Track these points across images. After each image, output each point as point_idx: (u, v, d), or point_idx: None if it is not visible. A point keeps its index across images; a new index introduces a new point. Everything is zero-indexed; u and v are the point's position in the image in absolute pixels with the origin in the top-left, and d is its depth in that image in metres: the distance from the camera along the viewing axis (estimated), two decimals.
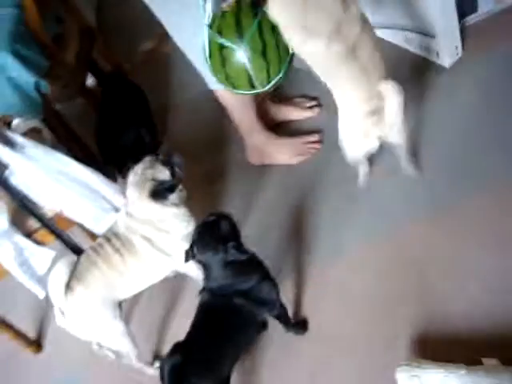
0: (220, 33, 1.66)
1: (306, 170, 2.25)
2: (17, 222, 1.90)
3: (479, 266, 1.72)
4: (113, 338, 1.81)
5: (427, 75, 2.26)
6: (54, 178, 1.86)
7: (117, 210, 1.98)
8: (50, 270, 1.95)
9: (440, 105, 2.15)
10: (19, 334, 2.18)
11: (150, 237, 1.78)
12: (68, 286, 1.68)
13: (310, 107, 2.41)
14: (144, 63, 3.24)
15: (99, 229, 1.98)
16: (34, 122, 2.32)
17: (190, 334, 1.61)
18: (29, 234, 1.95)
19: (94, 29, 2.97)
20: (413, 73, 2.30)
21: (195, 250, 1.60)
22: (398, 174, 2.02)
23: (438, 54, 2.26)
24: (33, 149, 1.83)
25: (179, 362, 1.51)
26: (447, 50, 2.23)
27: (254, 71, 1.68)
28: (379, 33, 2.44)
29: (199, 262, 1.64)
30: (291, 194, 2.21)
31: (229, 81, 1.75)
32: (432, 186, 1.96)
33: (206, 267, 1.63)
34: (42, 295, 1.97)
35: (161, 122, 2.76)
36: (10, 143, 1.77)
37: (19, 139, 1.80)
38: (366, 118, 1.73)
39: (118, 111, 2.55)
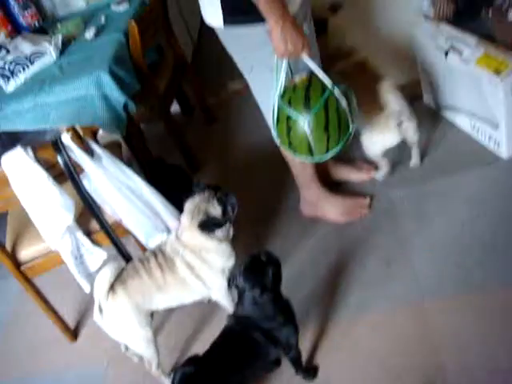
0: (290, 103, 1.85)
1: (351, 230, 2.36)
2: (81, 221, 2.09)
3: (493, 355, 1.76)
4: (139, 343, 1.96)
5: (484, 162, 2.37)
6: (120, 190, 2.02)
7: (169, 231, 2.13)
8: (99, 269, 2.16)
9: (488, 193, 2.25)
10: (61, 321, 2.36)
11: (190, 262, 1.95)
12: (112, 288, 1.87)
13: (368, 171, 2.55)
14: (227, 101, 3.48)
15: (149, 244, 2.14)
16: (116, 137, 2.58)
17: (207, 351, 1.75)
18: (89, 233, 2.13)
19: (188, 63, 3.24)
20: (471, 157, 2.40)
21: (238, 277, 1.74)
22: (434, 250, 2.13)
23: (498, 144, 2.35)
24: (108, 161, 2.00)
25: (191, 372, 1.65)
26: (507, 143, 2.32)
27: (314, 142, 1.87)
28: (446, 115, 2.58)
29: (237, 287, 1.77)
30: (332, 248, 2.31)
31: (291, 146, 1.94)
32: (465, 265, 2.03)
33: (240, 295, 1.76)
34: (87, 290, 2.14)
35: (223, 159, 2.96)
36: (91, 151, 1.96)
37: (99, 150, 1.98)
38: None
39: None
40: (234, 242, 2.01)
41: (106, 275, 1.87)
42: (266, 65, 1.92)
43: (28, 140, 2.46)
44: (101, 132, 2.53)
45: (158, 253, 1.99)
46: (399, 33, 2.68)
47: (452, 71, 2.40)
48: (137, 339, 1.96)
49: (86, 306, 2.51)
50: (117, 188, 2.02)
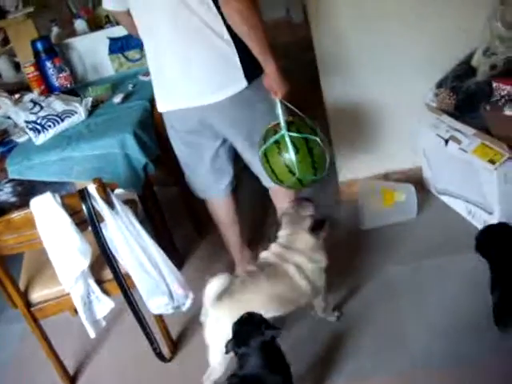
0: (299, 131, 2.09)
1: (348, 301, 2.47)
2: (95, 268, 2.20)
3: None
4: (219, 354, 2.01)
5: None
6: (131, 245, 2.13)
7: (171, 295, 2.22)
8: (105, 317, 2.26)
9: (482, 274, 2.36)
10: (61, 366, 2.42)
11: (302, 265, 2.15)
12: (219, 296, 2.00)
13: None
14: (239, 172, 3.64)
15: (148, 304, 2.23)
16: (132, 195, 2.71)
17: None
18: (100, 282, 2.24)
19: None
20: (467, 239, 2.52)
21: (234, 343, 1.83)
22: (428, 324, 2.25)
23: None
24: (125, 215, 2.13)
25: None
26: None
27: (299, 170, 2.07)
28: (445, 199, 2.75)
29: (235, 352, 1.85)
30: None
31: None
32: (456, 340, 2.14)
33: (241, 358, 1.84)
34: (92, 335, 2.24)
35: None
36: (111, 204, 2.10)
37: (118, 204, 2.11)
38: None
39: None
40: None
41: (217, 285, 2.00)
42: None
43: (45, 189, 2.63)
44: (118, 190, 2.67)
45: (265, 266, 2.17)
46: (404, 120, 2.89)
47: (451, 158, 2.59)
48: (219, 350, 1.98)
49: (87, 352, 2.59)
50: (129, 242, 2.14)
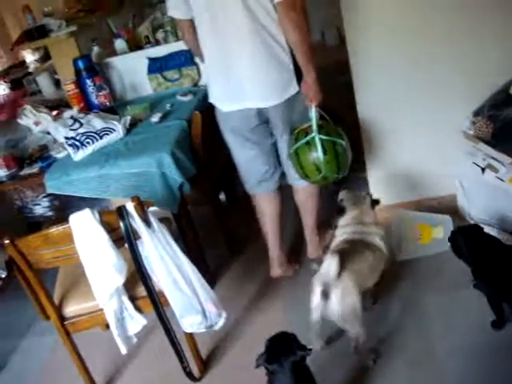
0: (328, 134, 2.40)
1: (378, 328, 2.45)
2: (129, 284, 2.22)
3: None
4: (356, 320, 2.18)
5: None
6: (166, 263, 2.15)
7: (204, 314, 2.23)
8: (137, 333, 2.28)
9: None
10: (91, 380, 2.44)
11: (381, 232, 2.44)
12: (339, 272, 2.11)
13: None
14: None
15: (181, 322, 2.24)
16: (167, 214, 2.74)
17: None
18: (133, 299, 2.26)
19: None
20: None
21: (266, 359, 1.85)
22: (459, 356, 2.21)
23: None
24: (161, 233, 2.15)
25: None
26: None
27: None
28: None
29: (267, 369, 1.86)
30: None
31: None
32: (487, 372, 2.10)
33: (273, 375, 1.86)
34: (124, 351, 2.26)
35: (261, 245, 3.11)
36: (148, 222, 2.13)
37: (155, 222, 2.14)
38: None
39: None
40: None
41: (335, 263, 2.10)
42: None
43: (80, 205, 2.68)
44: (153, 208, 2.70)
45: (356, 243, 2.37)
46: (440, 148, 2.88)
47: (487, 187, 2.58)
48: (356, 317, 2.18)
49: (117, 368, 2.61)
50: (164, 260, 2.15)
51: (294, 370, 1.82)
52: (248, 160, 2.66)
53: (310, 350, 1.86)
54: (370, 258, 2.33)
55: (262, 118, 2.49)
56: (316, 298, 2.16)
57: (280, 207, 2.82)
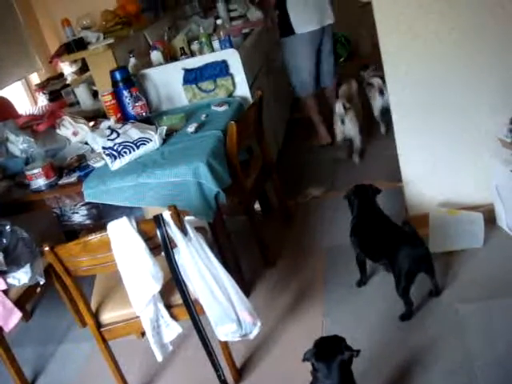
0: None
1: (416, 336, 2.41)
2: (164, 292, 2.24)
3: None
4: (357, 129, 4.08)
5: None
6: (202, 271, 2.16)
7: (239, 322, 2.23)
8: (172, 341, 2.30)
9: None
10: None
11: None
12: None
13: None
14: (305, 204, 3.71)
15: (216, 331, 2.24)
16: (202, 223, 2.77)
17: None
18: (169, 307, 2.28)
19: (273, 166, 3.48)
20: None
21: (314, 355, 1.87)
22: (498, 367, 2.17)
23: None
24: (197, 242, 2.16)
25: None
26: None
27: None
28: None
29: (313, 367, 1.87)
30: (395, 352, 2.36)
31: None
32: None
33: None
34: (159, 358, 2.27)
35: (297, 257, 3.13)
36: (185, 230, 2.16)
37: (191, 231, 2.15)
38: None
39: None
40: None
41: (342, 107, 3.98)
42: None
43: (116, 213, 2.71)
44: (189, 217, 2.72)
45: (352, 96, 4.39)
46: (477, 156, 2.85)
47: None
48: (357, 131, 4.02)
49: (152, 376, 2.62)
50: (200, 269, 2.17)
51: (341, 369, 1.83)
52: (312, 67, 4.31)
53: (358, 351, 1.85)
54: (359, 105, 4.32)
55: (322, 35, 4.26)
56: (338, 124, 3.98)
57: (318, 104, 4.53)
